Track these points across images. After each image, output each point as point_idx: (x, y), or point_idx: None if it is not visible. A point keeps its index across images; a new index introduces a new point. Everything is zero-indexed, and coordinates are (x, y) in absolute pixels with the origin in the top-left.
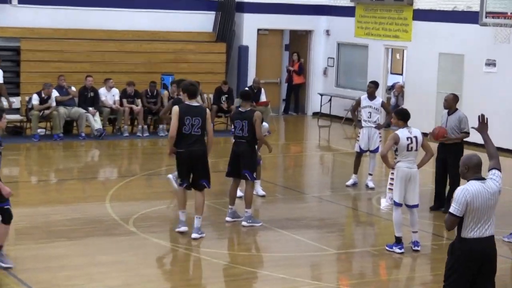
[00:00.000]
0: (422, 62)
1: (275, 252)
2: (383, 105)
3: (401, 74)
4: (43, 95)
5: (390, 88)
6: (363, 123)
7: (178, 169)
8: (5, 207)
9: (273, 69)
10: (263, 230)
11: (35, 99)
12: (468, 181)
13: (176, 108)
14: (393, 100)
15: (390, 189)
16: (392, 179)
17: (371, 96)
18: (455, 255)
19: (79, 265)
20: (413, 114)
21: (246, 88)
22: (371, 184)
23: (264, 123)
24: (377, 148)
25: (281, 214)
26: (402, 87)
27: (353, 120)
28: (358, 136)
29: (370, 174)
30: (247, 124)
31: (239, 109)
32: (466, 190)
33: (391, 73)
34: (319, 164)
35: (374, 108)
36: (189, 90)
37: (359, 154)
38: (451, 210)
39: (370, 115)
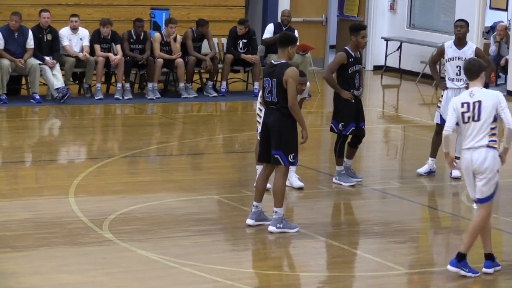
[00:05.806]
0: None
1: (318, 271)
2: (477, 54)
3: (506, 10)
4: None
5: (489, 31)
6: (448, 83)
7: None
8: None
9: (315, 2)
10: (300, 239)
11: None
12: None
13: None
14: (492, 48)
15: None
16: None
17: (461, 42)
18: None
19: None
20: None
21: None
22: (456, 173)
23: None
24: None
25: (327, 215)
26: (506, 29)
27: (433, 77)
28: (440, 102)
29: (457, 158)
30: (276, 85)
31: (272, 61)
32: None
33: (491, 8)
34: (383, 143)
35: (466, 59)
36: None
37: (441, 128)
38: None
39: (460, 70)
